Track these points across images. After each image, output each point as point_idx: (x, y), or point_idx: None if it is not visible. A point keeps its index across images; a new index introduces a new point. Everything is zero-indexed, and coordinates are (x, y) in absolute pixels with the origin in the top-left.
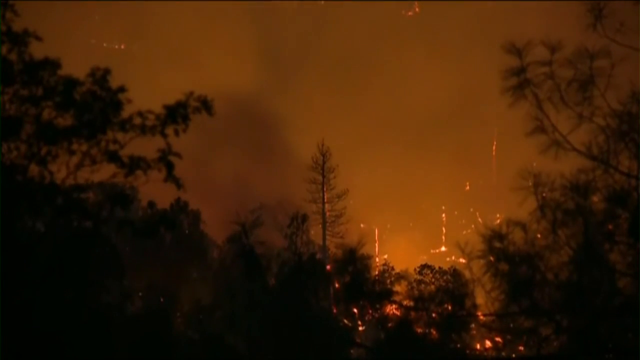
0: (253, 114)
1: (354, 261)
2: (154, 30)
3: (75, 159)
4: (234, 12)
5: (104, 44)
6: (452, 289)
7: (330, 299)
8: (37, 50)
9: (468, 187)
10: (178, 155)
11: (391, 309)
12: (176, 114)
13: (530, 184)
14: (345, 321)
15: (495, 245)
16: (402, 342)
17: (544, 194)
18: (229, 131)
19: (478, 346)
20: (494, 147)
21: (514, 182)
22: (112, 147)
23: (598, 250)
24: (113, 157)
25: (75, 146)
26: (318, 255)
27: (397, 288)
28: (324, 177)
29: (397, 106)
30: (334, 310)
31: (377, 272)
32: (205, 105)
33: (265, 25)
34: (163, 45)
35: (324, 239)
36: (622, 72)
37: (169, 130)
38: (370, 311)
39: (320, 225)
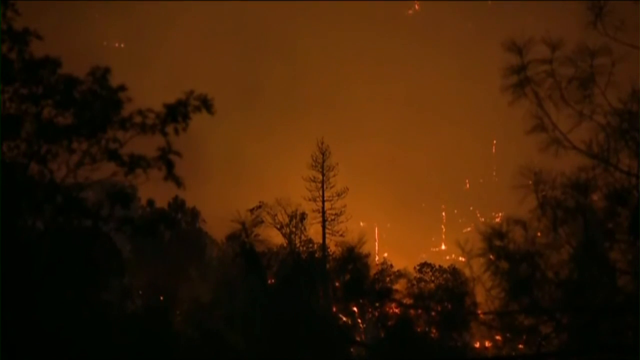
0: (252, 112)
1: (353, 259)
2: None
3: (75, 158)
4: (232, 13)
5: (104, 43)
6: (451, 287)
7: (330, 297)
8: (38, 49)
9: (468, 186)
10: (178, 153)
11: (391, 308)
12: (176, 113)
13: (531, 182)
14: (345, 319)
15: (496, 244)
16: (402, 341)
17: (544, 192)
18: (228, 129)
19: (478, 344)
20: (494, 145)
21: (514, 180)
22: (112, 145)
23: (598, 248)
24: (113, 156)
25: (75, 145)
26: (317, 254)
27: (396, 286)
28: (323, 175)
29: (398, 104)
30: (334, 309)
31: (376, 271)
32: (206, 104)
33: (261, 20)
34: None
35: (324, 237)
36: (622, 70)
37: (169, 129)
38: (370, 309)
39: (319, 224)
